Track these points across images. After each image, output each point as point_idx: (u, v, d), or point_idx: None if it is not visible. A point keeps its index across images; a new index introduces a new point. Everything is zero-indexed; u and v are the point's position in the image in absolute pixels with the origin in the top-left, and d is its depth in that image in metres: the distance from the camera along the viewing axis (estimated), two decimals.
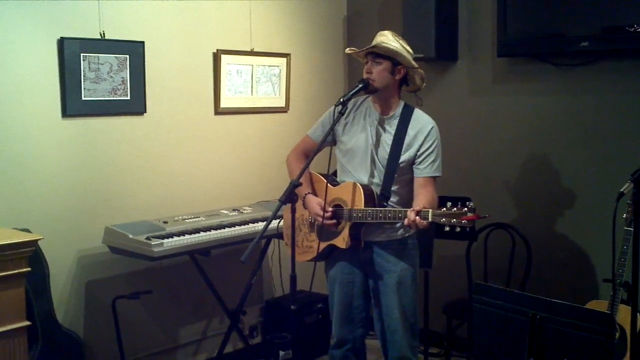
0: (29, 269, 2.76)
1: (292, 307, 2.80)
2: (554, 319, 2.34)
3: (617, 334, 2.91)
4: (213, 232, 3.47)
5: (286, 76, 4.35)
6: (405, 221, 2.64)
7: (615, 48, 3.46)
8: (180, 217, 3.61)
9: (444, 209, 2.55)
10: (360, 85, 2.86)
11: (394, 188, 2.89)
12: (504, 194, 4.08)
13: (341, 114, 2.85)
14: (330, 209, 2.89)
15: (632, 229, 2.69)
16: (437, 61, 4.18)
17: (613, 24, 3.45)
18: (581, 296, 3.63)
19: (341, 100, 2.84)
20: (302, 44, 4.50)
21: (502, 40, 3.83)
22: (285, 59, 4.33)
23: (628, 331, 2.85)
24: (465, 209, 2.50)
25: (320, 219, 2.87)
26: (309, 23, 4.54)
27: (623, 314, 2.95)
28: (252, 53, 4.14)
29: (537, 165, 3.92)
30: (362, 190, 2.84)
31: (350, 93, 2.85)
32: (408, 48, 2.88)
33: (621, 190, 2.62)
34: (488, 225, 3.88)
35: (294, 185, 2.69)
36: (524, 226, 3.85)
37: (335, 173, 3.12)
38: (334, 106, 2.95)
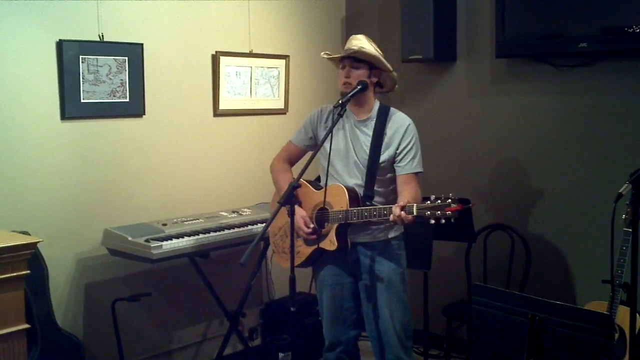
0: (28, 271, 2.75)
1: (292, 308, 2.79)
2: (553, 320, 2.34)
3: (617, 335, 2.92)
4: (212, 234, 3.47)
5: (285, 78, 4.35)
6: (391, 217, 2.66)
7: (614, 49, 3.46)
8: (179, 219, 3.61)
9: (428, 202, 2.58)
10: (359, 87, 2.88)
11: (376, 188, 2.92)
12: (502, 194, 4.08)
13: (340, 115, 2.85)
14: (312, 226, 2.93)
15: (630, 230, 2.70)
16: (435, 62, 4.18)
17: (612, 25, 3.45)
18: (580, 297, 3.63)
19: (340, 102, 2.84)
20: (301, 46, 4.50)
21: (501, 41, 3.84)
22: (284, 61, 4.33)
23: (627, 332, 2.85)
24: (449, 200, 2.53)
25: (304, 234, 2.93)
26: (307, 24, 4.54)
27: (622, 315, 2.95)
28: (250, 55, 4.14)
29: (535, 166, 3.92)
30: (346, 192, 2.87)
31: (349, 95, 2.86)
32: (380, 51, 2.94)
33: (620, 191, 2.62)
34: (487, 226, 3.89)
35: (294, 187, 2.70)
36: (523, 227, 3.86)
37: (318, 178, 3.14)
38: (327, 108, 3.01)
